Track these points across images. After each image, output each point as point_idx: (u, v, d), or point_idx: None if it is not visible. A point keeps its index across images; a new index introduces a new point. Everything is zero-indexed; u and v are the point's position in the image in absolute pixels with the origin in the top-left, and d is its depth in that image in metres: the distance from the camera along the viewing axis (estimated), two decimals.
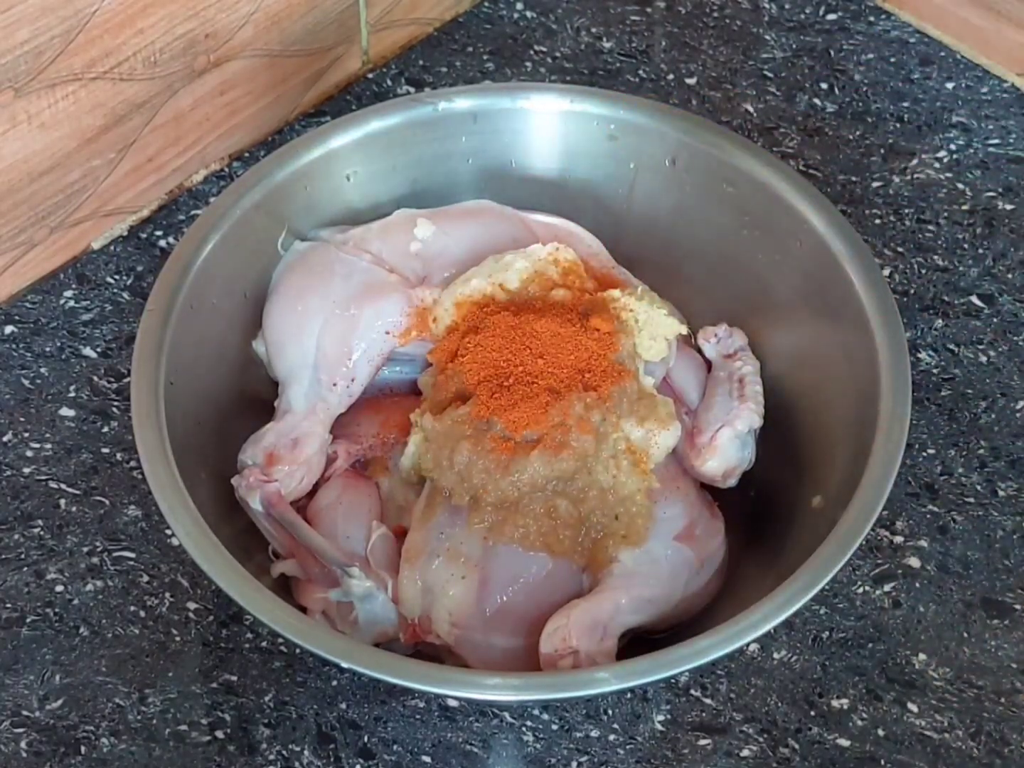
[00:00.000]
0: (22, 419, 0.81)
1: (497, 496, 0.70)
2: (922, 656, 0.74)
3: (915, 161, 0.96)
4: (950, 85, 1.00)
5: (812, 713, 0.72)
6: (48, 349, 0.84)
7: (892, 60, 1.02)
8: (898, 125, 0.98)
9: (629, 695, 0.72)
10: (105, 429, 0.81)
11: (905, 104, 0.99)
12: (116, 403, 0.82)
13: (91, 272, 0.88)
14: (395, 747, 0.70)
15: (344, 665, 0.62)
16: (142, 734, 0.70)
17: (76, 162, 0.84)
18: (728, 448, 0.74)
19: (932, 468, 0.81)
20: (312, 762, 0.69)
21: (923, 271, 0.90)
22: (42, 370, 0.83)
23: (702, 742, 0.71)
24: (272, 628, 0.63)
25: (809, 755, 0.70)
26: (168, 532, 0.76)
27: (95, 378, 0.83)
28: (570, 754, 0.70)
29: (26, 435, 0.80)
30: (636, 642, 0.71)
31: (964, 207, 0.93)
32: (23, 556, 0.76)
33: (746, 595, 0.71)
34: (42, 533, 0.77)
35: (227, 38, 0.88)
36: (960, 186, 0.94)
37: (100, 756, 0.69)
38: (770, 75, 1.01)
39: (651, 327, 0.76)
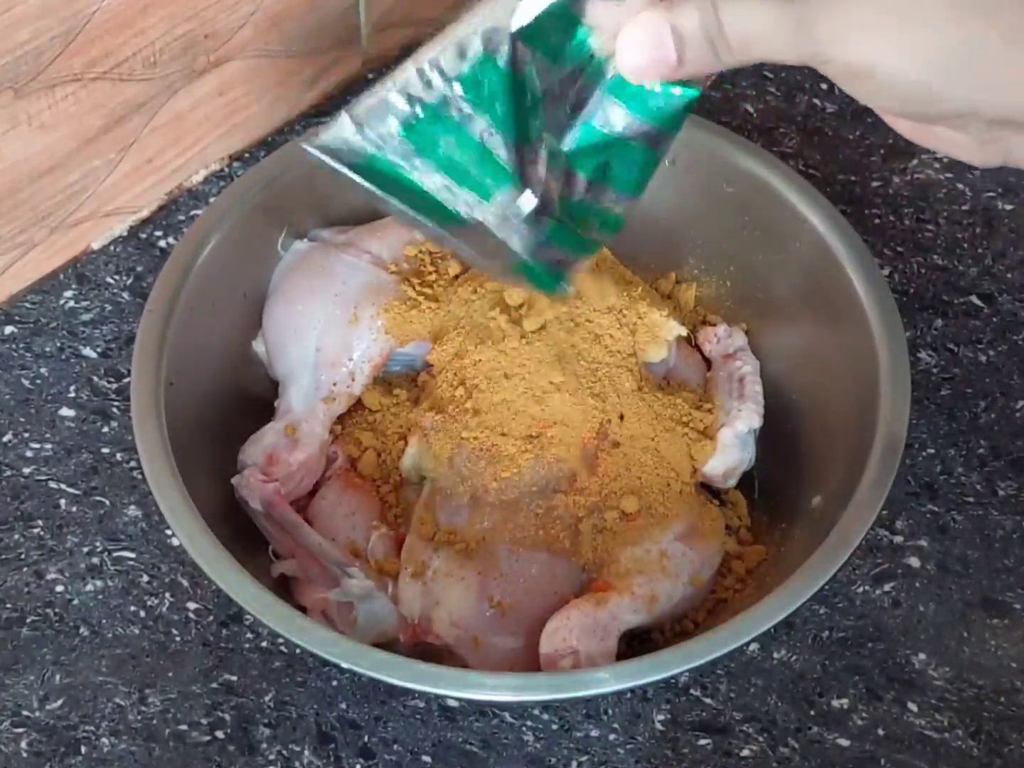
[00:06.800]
0: (22, 419, 0.81)
1: (497, 496, 0.70)
2: (922, 656, 0.74)
3: (915, 161, 0.96)
4: None
5: (812, 713, 0.72)
6: (48, 349, 0.84)
7: None
8: None
9: (629, 695, 0.72)
10: (105, 429, 0.81)
11: None
12: (116, 403, 0.82)
13: (91, 272, 0.88)
14: (395, 747, 0.70)
15: (344, 665, 0.62)
16: (142, 734, 0.70)
17: (76, 162, 0.84)
18: (728, 448, 0.75)
19: (932, 468, 0.81)
20: (312, 762, 0.69)
21: (923, 271, 0.90)
22: (42, 370, 0.83)
23: (702, 742, 0.71)
24: (272, 628, 0.63)
25: (809, 755, 0.70)
26: (168, 532, 0.76)
27: (95, 378, 0.83)
28: (570, 754, 0.70)
29: (26, 435, 0.80)
30: (636, 642, 0.71)
31: (964, 207, 0.93)
32: (23, 556, 0.76)
33: (746, 595, 0.71)
34: (42, 533, 0.77)
35: (227, 38, 0.88)
36: (960, 186, 0.94)
37: (100, 756, 0.69)
38: (770, 75, 1.01)
39: (650, 328, 0.76)
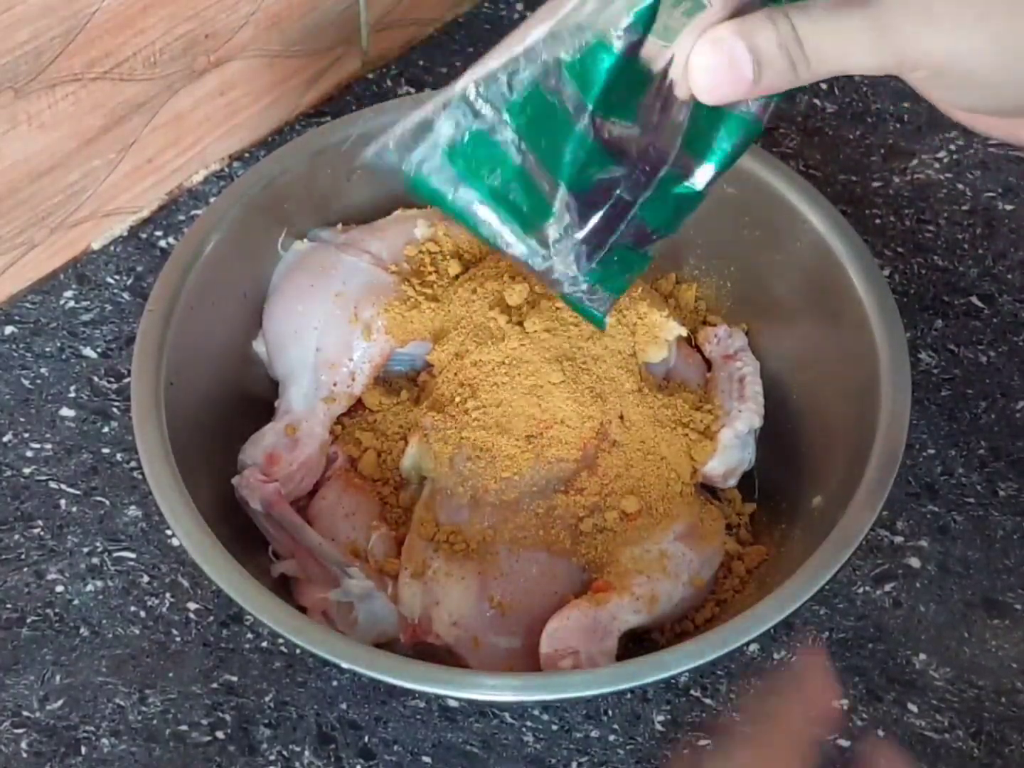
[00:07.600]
0: (22, 419, 0.81)
1: (497, 496, 0.70)
2: (922, 656, 0.74)
3: (915, 161, 0.96)
4: None
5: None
6: (48, 349, 0.84)
7: None
8: (898, 125, 0.98)
9: (629, 695, 0.72)
10: (105, 429, 0.81)
11: (905, 104, 0.99)
12: (116, 403, 0.82)
13: (91, 272, 0.88)
14: (395, 747, 0.70)
15: (344, 665, 0.62)
16: (142, 734, 0.70)
17: (76, 162, 0.84)
18: (728, 448, 0.74)
19: (932, 468, 0.80)
20: (312, 762, 0.69)
21: (923, 271, 0.90)
22: (42, 370, 0.83)
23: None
24: (272, 628, 0.63)
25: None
26: (168, 532, 0.76)
27: (95, 378, 0.83)
28: (570, 754, 0.70)
29: (26, 435, 0.80)
30: (636, 642, 0.71)
31: (964, 207, 0.93)
32: (23, 556, 0.76)
33: (746, 595, 0.71)
34: (42, 533, 0.77)
35: (227, 38, 0.88)
36: (960, 186, 0.94)
37: (100, 756, 0.69)
38: None
39: (650, 328, 0.76)
